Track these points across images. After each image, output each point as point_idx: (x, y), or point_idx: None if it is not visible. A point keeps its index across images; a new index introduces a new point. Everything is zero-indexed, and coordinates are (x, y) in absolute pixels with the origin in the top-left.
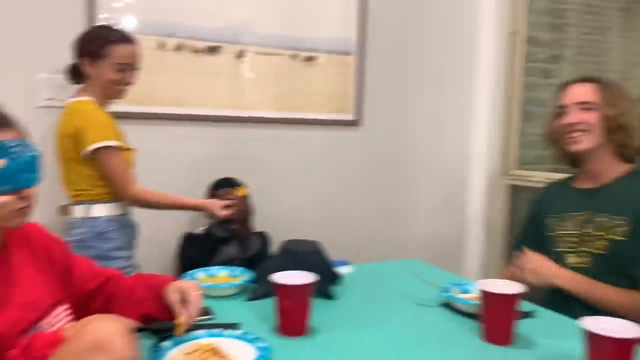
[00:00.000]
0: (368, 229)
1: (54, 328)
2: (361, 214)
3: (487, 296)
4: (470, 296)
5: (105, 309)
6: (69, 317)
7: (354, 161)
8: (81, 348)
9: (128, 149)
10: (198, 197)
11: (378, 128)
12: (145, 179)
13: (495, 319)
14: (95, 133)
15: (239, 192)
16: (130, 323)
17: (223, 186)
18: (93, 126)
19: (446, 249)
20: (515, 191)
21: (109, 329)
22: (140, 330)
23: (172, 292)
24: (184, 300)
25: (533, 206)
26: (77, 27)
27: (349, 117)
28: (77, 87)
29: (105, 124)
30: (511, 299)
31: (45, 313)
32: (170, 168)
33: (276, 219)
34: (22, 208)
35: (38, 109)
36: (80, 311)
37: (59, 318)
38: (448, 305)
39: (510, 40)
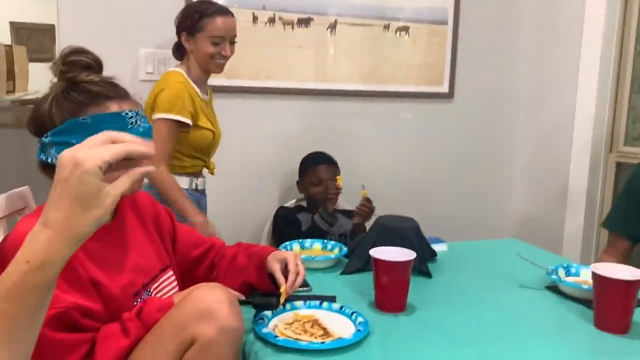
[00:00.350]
0: (460, 206)
1: (162, 293)
2: (453, 190)
3: (603, 282)
4: (579, 279)
5: (208, 276)
6: (175, 283)
7: (446, 135)
8: (188, 315)
9: (203, 128)
10: (286, 170)
11: (473, 101)
12: (235, 151)
13: (611, 305)
14: (162, 103)
15: (338, 182)
16: (235, 293)
17: (318, 162)
18: (163, 96)
19: (543, 229)
20: (622, 169)
21: (215, 297)
22: (242, 303)
23: (274, 261)
24: (285, 270)
25: (632, 184)
26: (179, 3)
27: (442, 89)
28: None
29: (178, 96)
30: (629, 285)
31: (154, 278)
32: (259, 140)
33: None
34: None
35: (140, 82)
36: (184, 278)
37: (166, 283)
38: (554, 289)
39: (624, 2)
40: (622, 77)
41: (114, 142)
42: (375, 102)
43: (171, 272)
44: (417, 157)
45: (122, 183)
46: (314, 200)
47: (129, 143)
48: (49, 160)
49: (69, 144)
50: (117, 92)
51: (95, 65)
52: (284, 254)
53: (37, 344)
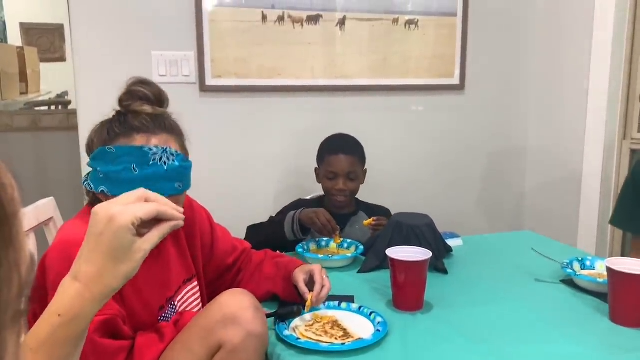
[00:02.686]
0: (473, 199)
1: (186, 305)
2: (467, 183)
3: (617, 276)
4: (594, 273)
5: (234, 280)
6: (198, 294)
7: (458, 127)
8: (215, 320)
9: None
10: (301, 167)
11: (484, 91)
12: (247, 150)
13: (626, 299)
14: None
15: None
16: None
17: (335, 149)
18: None
19: (558, 220)
20: (636, 156)
21: (241, 304)
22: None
23: (300, 272)
24: (310, 282)
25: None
26: (190, 4)
27: (453, 81)
28: None
29: None
30: None
31: (178, 289)
32: (271, 139)
33: (376, 190)
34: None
35: None
36: (213, 284)
37: (190, 294)
38: (570, 282)
39: None
40: (635, 62)
41: (147, 200)
42: (386, 97)
43: (195, 283)
44: (430, 150)
45: (153, 237)
46: (329, 197)
47: (161, 204)
48: (84, 184)
49: (96, 171)
50: (150, 125)
51: (153, 97)
52: (310, 266)
53: (84, 348)
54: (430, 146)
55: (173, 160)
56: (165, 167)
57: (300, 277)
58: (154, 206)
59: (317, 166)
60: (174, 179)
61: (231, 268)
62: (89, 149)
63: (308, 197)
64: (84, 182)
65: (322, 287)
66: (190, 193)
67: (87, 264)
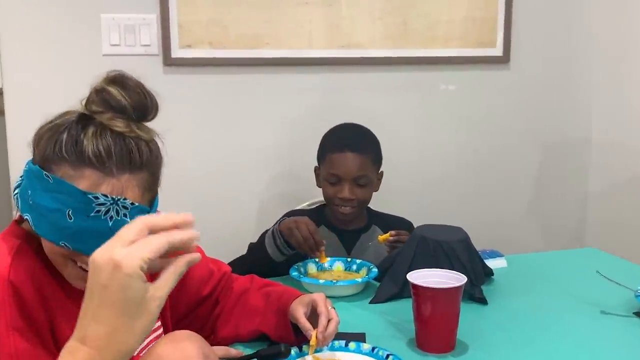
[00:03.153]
0: (520, 206)
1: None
2: (512, 186)
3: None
4: None
5: (208, 316)
6: (158, 330)
7: (500, 112)
8: None
9: None
10: (295, 163)
11: (535, 66)
12: (226, 143)
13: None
14: None
15: (380, 239)
16: (221, 349)
17: (341, 146)
18: None
19: (630, 235)
20: None
21: (183, 354)
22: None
23: (300, 304)
24: (312, 316)
25: None
26: None
27: (494, 52)
28: None
29: None
30: None
31: None
32: (257, 128)
33: (394, 196)
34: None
35: (103, 57)
36: (182, 320)
37: (150, 339)
38: None
39: None
40: None
41: (151, 230)
42: (406, 72)
43: (161, 331)
44: (463, 141)
45: (167, 281)
46: (331, 207)
47: (170, 233)
48: (14, 194)
49: (26, 191)
50: (109, 160)
51: (131, 108)
52: (311, 296)
53: None
54: (465, 138)
55: (124, 216)
56: (110, 224)
57: (299, 310)
58: (163, 240)
59: (317, 165)
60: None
61: (206, 299)
62: (34, 147)
63: (302, 206)
64: (14, 191)
65: (329, 320)
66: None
67: (95, 323)
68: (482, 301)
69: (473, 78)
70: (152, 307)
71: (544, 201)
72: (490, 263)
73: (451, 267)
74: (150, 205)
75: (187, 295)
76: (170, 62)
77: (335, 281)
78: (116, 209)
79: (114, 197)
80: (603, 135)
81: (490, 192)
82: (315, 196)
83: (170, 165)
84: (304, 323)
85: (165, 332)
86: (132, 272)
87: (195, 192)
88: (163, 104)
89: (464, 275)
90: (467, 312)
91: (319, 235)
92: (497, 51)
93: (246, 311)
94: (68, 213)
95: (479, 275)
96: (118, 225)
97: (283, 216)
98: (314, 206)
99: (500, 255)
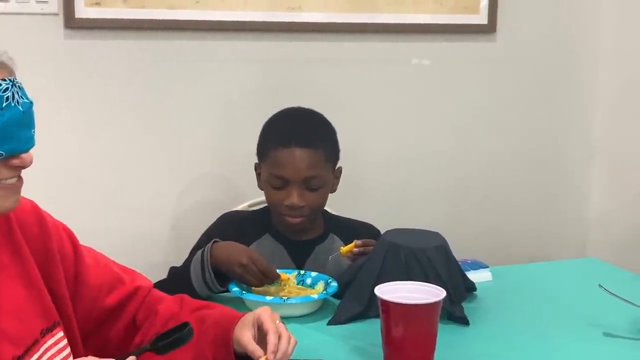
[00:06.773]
0: (510, 208)
1: None
2: (499, 183)
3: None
4: None
5: (124, 340)
6: (65, 347)
7: (485, 92)
8: None
9: None
10: (230, 155)
11: (526, 37)
12: (143, 129)
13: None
14: None
15: (342, 251)
16: None
17: (286, 140)
18: None
19: (634, 240)
20: None
21: None
22: None
23: (244, 327)
24: (259, 336)
25: None
26: None
27: (478, 19)
28: None
29: None
30: None
31: (33, 345)
32: (183, 110)
33: (357, 195)
34: (16, 182)
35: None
36: (92, 339)
37: (53, 351)
38: None
39: None
40: None
41: None
42: (371, 42)
43: (61, 333)
44: (442, 129)
45: None
46: (277, 216)
47: None
48: None
49: None
50: None
51: None
52: (253, 313)
53: None
54: (442, 124)
55: (25, 98)
56: (21, 109)
57: (245, 334)
58: None
59: (256, 162)
60: (30, 125)
61: (116, 317)
62: None
63: (242, 207)
64: None
65: (280, 337)
66: (43, 198)
67: None
68: (463, 321)
69: (451, 50)
70: None
71: (536, 199)
72: (473, 276)
73: (426, 280)
74: None
75: (85, 304)
76: (73, 23)
77: (286, 298)
78: (17, 91)
79: (9, 78)
80: (602, 116)
81: (472, 190)
82: (258, 195)
83: (73, 154)
84: (254, 350)
85: (72, 344)
86: None
87: (103, 187)
88: (65, 75)
89: (442, 289)
90: (445, 334)
91: (274, 271)
92: (481, 18)
93: None
94: None
95: (459, 290)
96: (26, 109)
97: (218, 219)
98: (255, 207)
99: (484, 267)
